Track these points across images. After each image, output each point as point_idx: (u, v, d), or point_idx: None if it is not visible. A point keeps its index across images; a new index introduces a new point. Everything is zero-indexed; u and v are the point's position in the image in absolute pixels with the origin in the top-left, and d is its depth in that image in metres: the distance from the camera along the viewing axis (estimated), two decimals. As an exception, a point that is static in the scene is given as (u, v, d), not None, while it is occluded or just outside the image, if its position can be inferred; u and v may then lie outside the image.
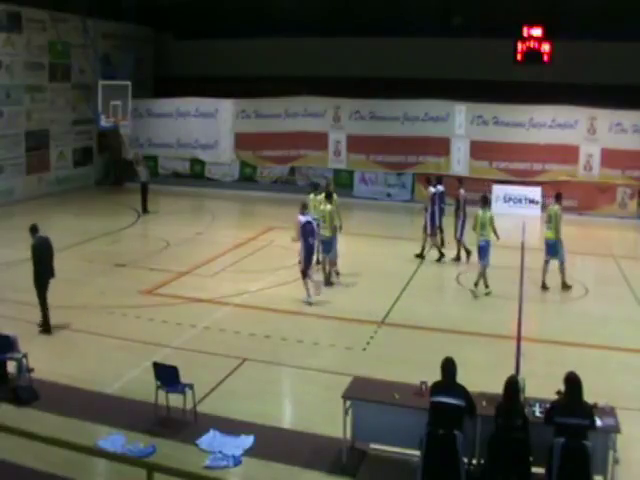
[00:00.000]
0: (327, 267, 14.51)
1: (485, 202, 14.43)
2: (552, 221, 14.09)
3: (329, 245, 14.27)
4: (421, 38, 24.69)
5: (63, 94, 25.02)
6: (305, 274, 13.32)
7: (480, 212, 14.12)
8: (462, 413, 7.02)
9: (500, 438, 6.95)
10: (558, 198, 14.48)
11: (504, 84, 22.80)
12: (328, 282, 14.44)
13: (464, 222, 16.10)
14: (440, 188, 17.24)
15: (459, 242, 16.30)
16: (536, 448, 6.89)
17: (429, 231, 16.53)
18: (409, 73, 24.44)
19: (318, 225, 14.01)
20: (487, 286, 13.90)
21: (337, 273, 14.83)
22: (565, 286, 14.16)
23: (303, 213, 13.33)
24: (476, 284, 13.91)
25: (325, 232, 14.12)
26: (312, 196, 15.35)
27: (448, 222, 16.95)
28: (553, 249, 14.07)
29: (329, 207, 14.19)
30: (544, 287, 14.14)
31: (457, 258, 16.39)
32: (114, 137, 26.42)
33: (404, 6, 25.24)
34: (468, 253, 16.13)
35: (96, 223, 20.25)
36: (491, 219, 14.01)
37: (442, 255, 16.38)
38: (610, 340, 11.50)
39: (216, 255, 16.66)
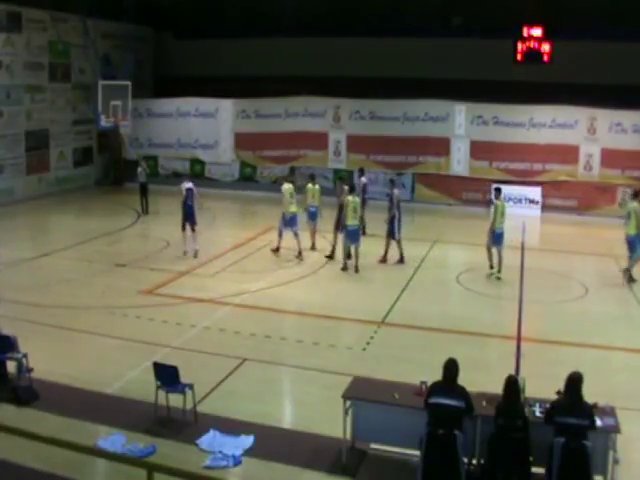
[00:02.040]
0: (357, 256, 15.27)
1: (500, 192, 15.53)
2: (631, 218, 14.52)
3: (357, 234, 15.32)
4: (421, 38, 24.67)
5: (63, 94, 25.01)
6: (193, 229, 16.49)
7: (499, 202, 15.19)
8: (461, 414, 7.02)
9: (500, 438, 6.95)
10: (636, 195, 14.95)
11: (504, 84, 22.77)
12: (357, 269, 15.23)
13: (400, 221, 16.09)
14: (364, 180, 18.32)
15: (398, 243, 16.09)
16: (536, 448, 6.89)
17: (340, 229, 16.28)
18: (409, 73, 24.45)
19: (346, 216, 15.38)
20: (498, 269, 14.86)
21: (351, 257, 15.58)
22: (631, 279, 14.68)
23: (185, 182, 16.93)
24: (499, 270, 14.85)
25: (355, 222, 15.30)
26: (310, 186, 17.18)
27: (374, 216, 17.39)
28: (632, 245, 14.54)
29: (357, 199, 15.58)
30: (631, 280, 14.70)
31: (401, 259, 16.11)
32: (114, 137, 26.43)
33: (404, 6, 25.24)
34: (402, 256, 16.12)
35: (96, 223, 20.27)
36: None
37: (332, 255, 16.36)
38: (610, 340, 11.51)
39: (216, 255, 16.67)
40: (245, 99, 25.84)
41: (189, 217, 16.58)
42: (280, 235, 16.59)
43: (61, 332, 11.54)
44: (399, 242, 16.07)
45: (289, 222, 16.39)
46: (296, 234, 16.40)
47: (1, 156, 22.45)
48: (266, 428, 8.49)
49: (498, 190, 15.62)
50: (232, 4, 27.13)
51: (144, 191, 21.68)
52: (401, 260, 16.08)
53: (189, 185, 16.77)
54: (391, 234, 16.02)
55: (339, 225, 16.21)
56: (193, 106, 26.46)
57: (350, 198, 15.40)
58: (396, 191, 16.45)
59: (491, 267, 15.12)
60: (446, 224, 21.27)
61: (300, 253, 16.31)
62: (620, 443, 7.10)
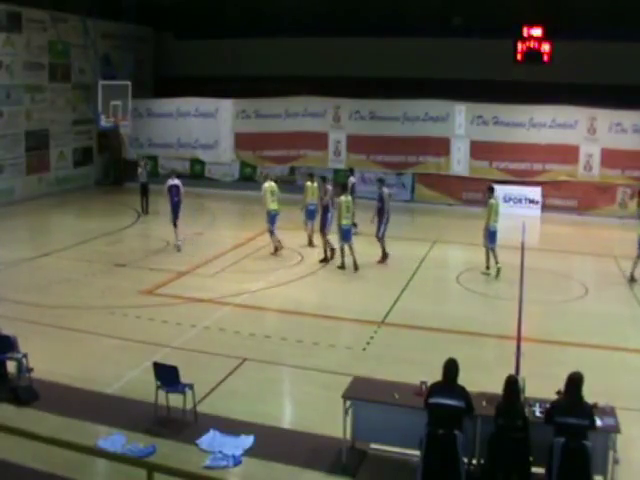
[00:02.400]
0: (353, 254, 15.41)
1: (493, 191, 15.52)
2: None
3: (350, 233, 15.48)
4: (421, 38, 24.68)
5: (63, 94, 25.01)
6: (175, 224, 16.92)
7: (494, 201, 15.25)
8: (461, 414, 7.02)
9: (500, 438, 6.95)
10: None
11: (504, 84, 22.78)
12: (356, 267, 15.34)
13: (387, 221, 16.14)
14: (352, 180, 18.60)
15: (380, 241, 16.13)
16: (536, 448, 6.89)
17: (325, 230, 16.24)
18: (409, 73, 24.45)
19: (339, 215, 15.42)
20: (497, 266, 14.98)
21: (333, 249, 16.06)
22: (632, 279, 14.74)
23: (171, 179, 17.26)
24: (494, 266, 14.95)
25: (348, 221, 15.43)
26: (309, 184, 17.69)
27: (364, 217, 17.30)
28: None
29: (350, 198, 15.77)
30: (632, 279, 14.70)
31: (383, 259, 16.18)
32: (114, 137, 26.43)
33: (404, 6, 25.24)
34: (385, 254, 16.09)
35: (96, 223, 20.27)
36: None
37: (326, 257, 16.21)
38: (610, 340, 11.50)
39: (216, 255, 16.67)
40: (245, 99, 25.84)
41: (176, 211, 16.97)
42: (271, 235, 16.74)
43: (61, 332, 11.53)
44: (380, 240, 16.12)
45: (270, 221, 16.59)
46: (270, 232, 16.67)
47: (1, 156, 22.43)
48: (266, 428, 8.49)
49: (491, 189, 15.67)
50: (233, 4, 27.14)
51: (145, 191, 21.66)
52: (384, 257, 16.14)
53: (174, 182, 17.14)
54: (377, 232, 16.13)
55: (324, 227, 16.27)
56: (193, 106, 26.46)
57: (343, 198, 15.52)
58: (385, 190, 16.51)
59: (487, 267, 15.18)
60: (446, 224, 21.27)
61: (276, 249, 16.60)
62: (620, 443, 7.09)
